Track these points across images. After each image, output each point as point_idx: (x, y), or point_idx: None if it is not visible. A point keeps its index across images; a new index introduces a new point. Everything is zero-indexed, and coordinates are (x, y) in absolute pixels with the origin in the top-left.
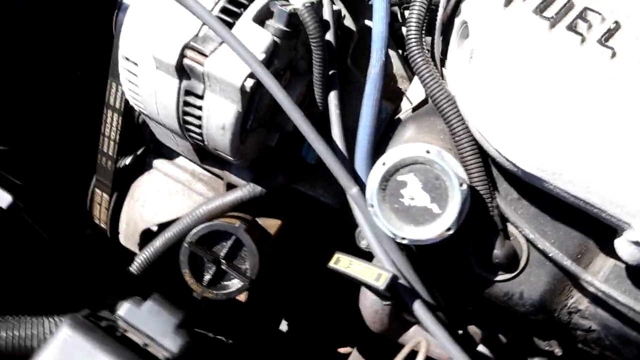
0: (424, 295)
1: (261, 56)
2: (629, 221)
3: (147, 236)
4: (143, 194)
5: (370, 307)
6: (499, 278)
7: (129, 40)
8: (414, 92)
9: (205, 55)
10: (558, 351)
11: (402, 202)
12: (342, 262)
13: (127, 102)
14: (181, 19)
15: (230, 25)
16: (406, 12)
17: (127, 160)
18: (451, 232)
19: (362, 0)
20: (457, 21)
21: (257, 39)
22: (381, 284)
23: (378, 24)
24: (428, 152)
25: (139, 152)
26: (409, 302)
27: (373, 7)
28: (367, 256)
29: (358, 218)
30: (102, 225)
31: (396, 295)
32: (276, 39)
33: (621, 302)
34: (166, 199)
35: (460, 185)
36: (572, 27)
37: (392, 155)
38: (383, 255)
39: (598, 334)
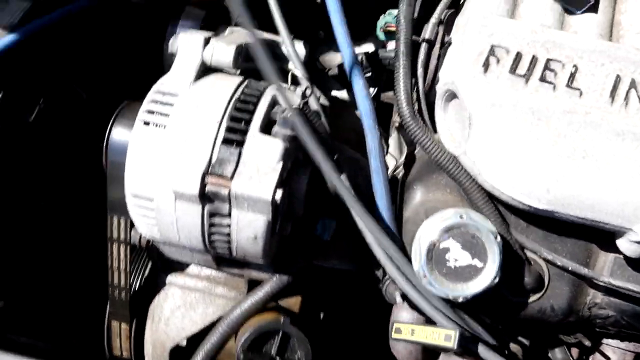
0: (487, 338)
1: (279, 165)
2: (629, 227)
3: (176, 354)
4: (164, 313)
5: (404, 348)
6: (531, 299)
7: (137, 178)
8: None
9: (228, 178)
10: (587, 343)
11: (449, 266)
12: (404, 331)
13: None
14: (188, 148)
15: (240, 143)
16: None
17: (137, 284)
18: (497, 280)
19: (325, 73)
20: (439, 88)
21: (271, 149)
22: (453, 344)
23: (363, 103)
24: (461, 217)
25: (147, 273)
26: (476, 348)
27: (354, 88)
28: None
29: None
30: (125, 354)
31: (464, 346)
32: (286, 143)
33: (629, 288)
34: (189, 311)
35: (495, 237)
36: (543, 78)
37: (431, 229)
38: (438, 314)
39: (615, 318)
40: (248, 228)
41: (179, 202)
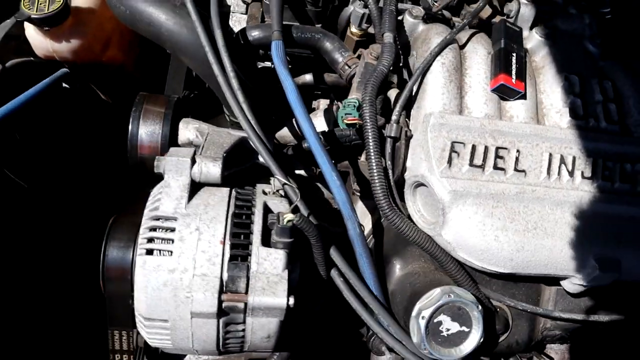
0: None
1: (285, 273)
2: (572, 274)
3: None
4: None
5: None
6: (500, 340)
7: (149, 304)
8: None
9: (242, 293)
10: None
11: (443, 335)
12: None
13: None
14: (199, 270)
15: (245, 257)
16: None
17: None
18: (482, 339)
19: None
20: (408, 179)
21: (276, 259)
22: None
23: (338, 194)
24: (449, 295)
25: None
26: None
27: (327, 180)
28: None
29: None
30: None
31: None
32: (287, 250)
33: (571, 317)
34: None
35: (477, 306)
36: (496, 166)
37: (426, 310)
38: None
39: (561, 335)
40: (262, 330)
41: (195, 319)
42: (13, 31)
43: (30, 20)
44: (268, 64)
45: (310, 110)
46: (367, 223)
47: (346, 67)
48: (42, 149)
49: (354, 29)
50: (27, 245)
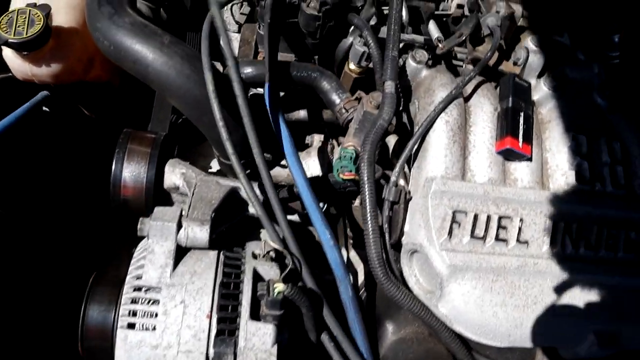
0: None
1: (274, 349)
2: (569, 347)
3: None
4: None
5: None
6: None
7: None
8: None
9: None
10: None
11: None
12: None
13: None
14: (184, 347)
15: (232, 331)
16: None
17: None
18: None
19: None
20: (405, 245)
21: (265, 334)
22: None
23: (331, 254)
24: None
25: None
26: None
27: (320, 238)
28: None
29: None
30: None
31: None
32: (275, 322)
33: None
34: None
35: None
36: (497, 237)
37: None
38: None
39: None
40: None
41: None
42: None
43: (7, 44)
44: (261, 90)
45: (303, 146)
46: (360, 272)
47: (343, 111)
48: (21, 176)
49: (352, 65)
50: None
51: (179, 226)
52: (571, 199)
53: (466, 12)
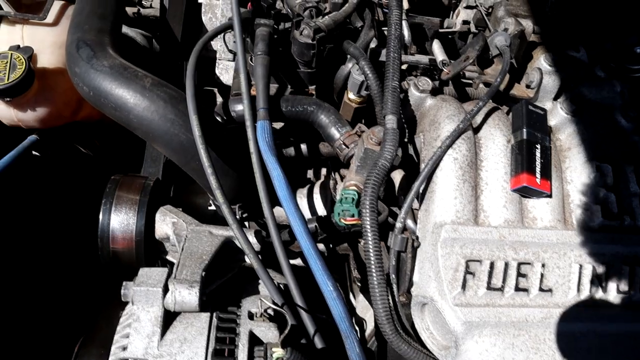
0: None
1: None
2: None
3: None
4: None
5: None
6: None
7: None
8: None
9: None
10: None
11: None
12: None
13: None
14: None
15: None
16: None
17: None
18: None
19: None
20: (415, 297)
21: None
22: None
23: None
24: None
25: None
26: None
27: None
28: None
29: None
30: None
31: None
32: None
33: None
34: None
35: None
36: (517, 287)
37: None
38: None
39: None
40: None
41: None
42: None
43: None
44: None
45: (305, 181)
46: (370, 320)
47: (343, 147)
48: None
49: (352, 95)
50: None
51: (166, 290)
52: (598, 237)
53: (472, 29)
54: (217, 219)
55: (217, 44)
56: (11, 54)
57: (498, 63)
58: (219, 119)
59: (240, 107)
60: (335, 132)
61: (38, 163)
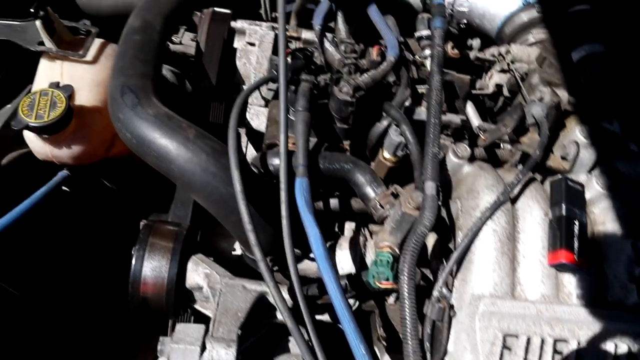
0: None
1: None
2: None
3: None
4: None
5: None
6: None
7: None
8: None
9: None
10: None
11: None
12: None
13: None
14: None
15: None
16: None
17: None
18: None
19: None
20: None
21: None
22: None
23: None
24: None
25: None
26: None
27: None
28: None
29: None
30: None
31: None
32: None
33: None
34: None
35: None
36: None
37: None
38: None
39: None
40: None
41: None
42: (13, 118)
43: (29, 128)
44: None
45: (333, 235)
46: None
47: (379, 207)
48: (38, 257)
49: (387, 154)
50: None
51: (203, 348)
52: (634, 316)
53: (505, 92)
54: (241, 265)
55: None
56: (52, 91)
57: (533, 131)
58: (255, 170)
59: (278, 162)
60: (370, 192)
61: (67, 198)
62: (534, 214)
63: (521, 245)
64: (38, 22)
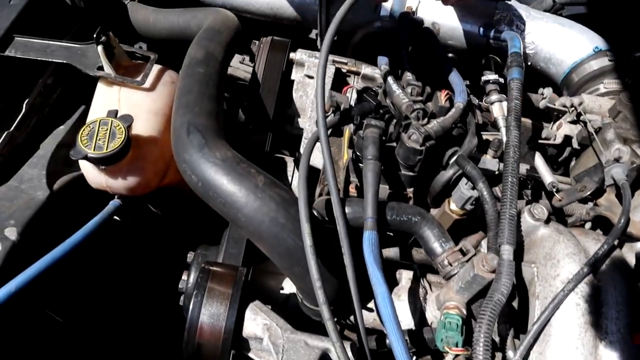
0: None
1: None
2: None
3: None
4: None
5: None
6: None
7: None
8: None
9: None
10: None
11: None
12: None
13: None
14: None
15: None
16: None
17: None
18: None
19: None
20: None
21: None
22: None
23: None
24: None
25: None
26: None
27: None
28: None
29: None
30: None
31: None
32: None
33: None
34: None
35: None
36: None
37: None
38: None
39: None
40: None
41: None
42: (66, 139)
43: (87, 159)
44: None
45: (390, 282)
46: None
47: (446, 263)
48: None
49: (454, 207)
50: None
51: None
52: None
53: (574, 145)
54: (289, 304)
55: (304, 122)
56: (112, 121)
57: (610, 192)
58: (317, 215)
59: (346, 210)
60: (438, 247)
61: (117, 228)
62: (617, 287)
63: (603, 320)
64: (100, 48)
